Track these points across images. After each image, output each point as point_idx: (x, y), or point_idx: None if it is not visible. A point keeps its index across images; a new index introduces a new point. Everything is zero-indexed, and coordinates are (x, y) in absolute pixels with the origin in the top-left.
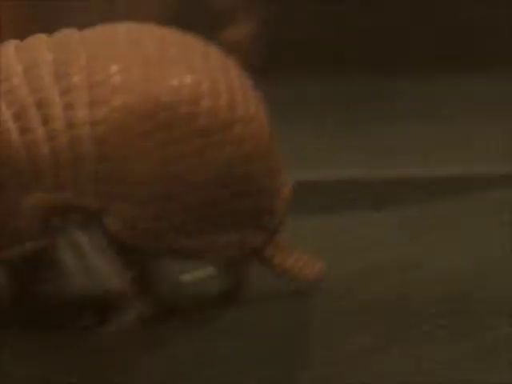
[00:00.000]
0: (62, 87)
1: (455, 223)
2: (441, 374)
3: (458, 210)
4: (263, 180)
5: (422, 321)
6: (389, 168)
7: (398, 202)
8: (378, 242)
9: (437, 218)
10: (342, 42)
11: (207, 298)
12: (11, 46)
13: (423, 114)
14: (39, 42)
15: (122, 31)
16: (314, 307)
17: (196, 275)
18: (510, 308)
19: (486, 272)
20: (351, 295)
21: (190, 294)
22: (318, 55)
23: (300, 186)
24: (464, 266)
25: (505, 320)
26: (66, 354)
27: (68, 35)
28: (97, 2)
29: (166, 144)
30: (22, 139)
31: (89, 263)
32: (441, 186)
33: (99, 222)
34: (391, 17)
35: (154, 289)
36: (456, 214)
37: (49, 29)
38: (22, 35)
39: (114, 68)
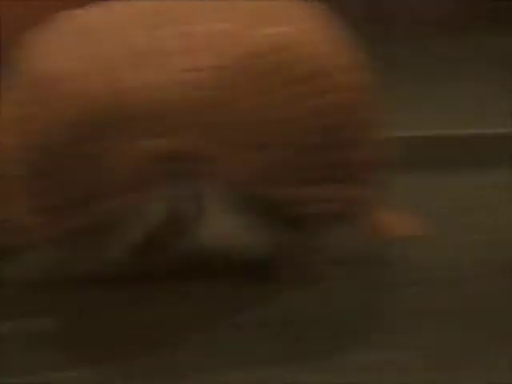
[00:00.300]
0: (156, 39)
1: None
2: None
3: None
4: (360, 131)
5: None
6: None
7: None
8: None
9: None
10: None
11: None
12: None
13: None
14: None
15: None
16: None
17: None
18: None
19: None
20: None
21: None
22: None
23: (400, 143)
24: None
25: None
26: None
27: None
28: None
29: (266, 90)
30: (117, 90)
31: (207, 213)
32: None
33: (213, 172)
34: None
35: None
36: None
37: None
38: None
39: (207, 17)
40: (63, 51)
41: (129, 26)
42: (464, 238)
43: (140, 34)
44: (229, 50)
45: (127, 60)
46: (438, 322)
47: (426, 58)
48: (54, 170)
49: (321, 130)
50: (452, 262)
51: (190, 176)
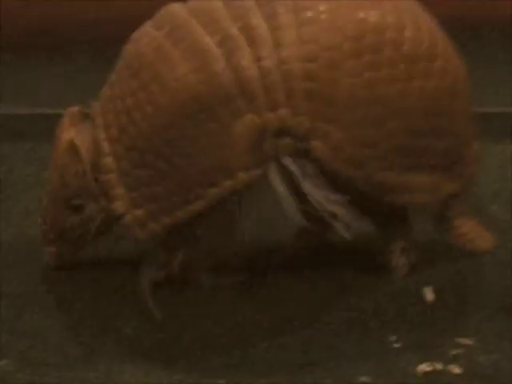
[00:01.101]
0: (266, 12)
1: None
2: None
3: None
4: (461, 121)
5: None
6: None
7: None
8: None
9: None
10: None
11: None
12: None
13: None
14: None
15: None
16: None
17: None
18: None
19: None
20: None
21: None
22: None
23: None
24: None
25: None
26: None
27: None
28: None
29: (373, 66)
30: (229, 64)
31: (300, 190)
32: None
33: (307, 148)
34: None
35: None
36: None
37: None
38: None
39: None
40: (158, 34)
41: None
42: None
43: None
44: (331, 23)
45: (218, 41)
46: None
47: None
48: (157, 159)
49: (426, 114)
50: None
51: (294, 154)
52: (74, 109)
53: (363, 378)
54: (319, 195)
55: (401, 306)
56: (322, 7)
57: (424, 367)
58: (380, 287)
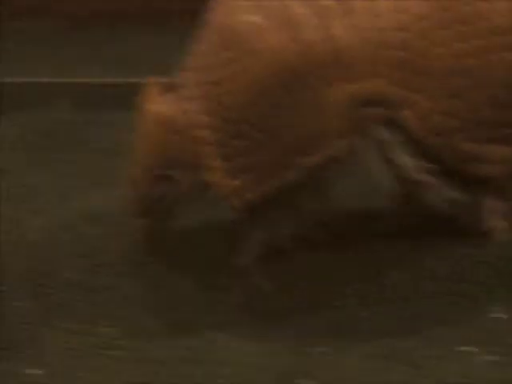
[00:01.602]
0: None
1: None
2: None
3: None
4: None
5: None
6: None
7: None
8: None
9: None
10: None
11: None
12: None
13: None
14: None
15: None
16: None
17: None
18: None
19: None
20: None
21: None
22: None
23: None
24: None
25: None
26: None
27: None
28: None
29: (462, 37)
30: (324, 34)
31: (390, 159)
32: None
33: (398, 117)
34: None
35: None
36: None
37: None
38: None
39: None
40: (251, 7)
41: None
42: None
43: None
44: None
45: (312, 12)
46: None
47: None
48: (253, 129)
49: (508, 85)
50: None
51: (385, 123)
52: (155, 79)
53: (464, 348)
54: (408, 163)
55: (506, 277)
56: None
57: None
58: (485, 259)
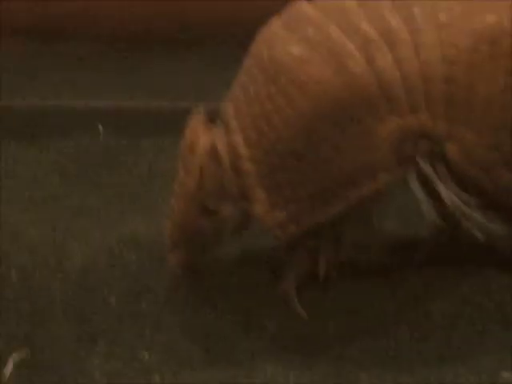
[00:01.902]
0: (404, 15)
1: None
2: None
3: None
4: None
5: None
6: None
7: None
8: None
9: None
10: None
11: None
12: None
13: None
14: None
15: None
16: None
17: None
18: None
19: None
20: None
21: None
22: None
23: None
24: None
25: None
26: None
27: None
28: None
29: (508, 71)
30: (370, 68)
31: (435, 191)
32: None
33: (441, 151)
34: None
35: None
36: None
37: None
38: None
39: None
40: (295, 38)
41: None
42: None
43: (365, 18)
44: (473, 27)
45: (358, 45)
46: None
47: None
48: (298, 162)
49: None
50: None
51: (430, 156)
52: (200, 109)
53: (505, 374)
54: (452, 196)
55: None
56: (457, 8)
57: None
58: None
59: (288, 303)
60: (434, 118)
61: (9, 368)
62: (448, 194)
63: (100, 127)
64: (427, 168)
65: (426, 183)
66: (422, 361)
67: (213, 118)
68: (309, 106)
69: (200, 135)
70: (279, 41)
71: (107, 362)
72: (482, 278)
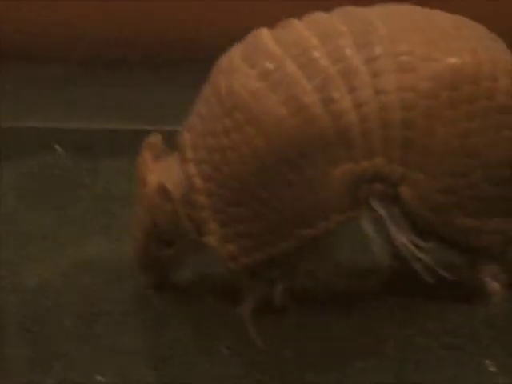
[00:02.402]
0: (365, 56)
1: None
2: None
3: None
4: None
5: None
6: None
7: None
8: None
9: None
10: None
11: None
12: (298, 22)
13: None
14: (329, 16)
15: (410, 9)
16: None
17: None
18: None
19: None
20: None
21: None
22: None
23: None
24: None
25: None
26: None
27: (348, 11)
28: None
29: (469, 117)
30: (328, 110)
31: (388, 235)
32: None
33: (395, 193)
34: None
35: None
36: None
37: None
38: None
39: (417, 38)
40: (256, 73)
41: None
42: None
43: (325, 56)
44: (431, 72)
45: (315, 85)
46: None
47: None
48: (251, 198)
49: (510, 164)
50: None
51: (383, 199)
52: (154, 139)
53: None
54: (404, 239)
55: (497, 330)
56: (419, 50)
57: None
58: (475, 312)
59: (244, 328)
60: (389, 163)
61: None
62: (398, 235)
63: (58, 148)
64: (380, 209)
65: (377, 223)
66: None
67: (171, 141)
68: (265, 146)
69: (149, 171)
70: (237, 73)
71: None
72: (436, 305)
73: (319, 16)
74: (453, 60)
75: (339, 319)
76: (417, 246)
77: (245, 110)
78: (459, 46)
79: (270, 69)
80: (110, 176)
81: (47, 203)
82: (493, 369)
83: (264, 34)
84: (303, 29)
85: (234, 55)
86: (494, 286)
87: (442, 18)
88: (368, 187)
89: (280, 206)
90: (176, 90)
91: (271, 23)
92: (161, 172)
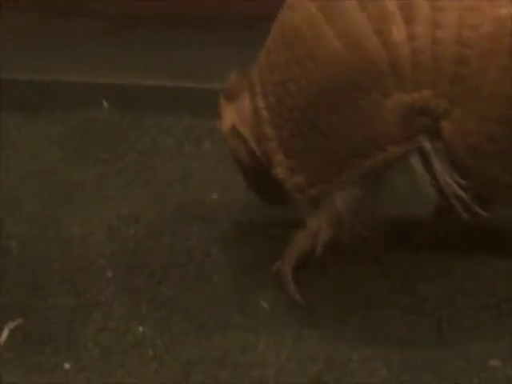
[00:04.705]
0: None
1: None
2: None
3: None
4: None
5: None
6: None
7: None
8: None
9: None
10: None
11: None
12: None
13: None
14: None
15: None
16: None
17: None
18: None
19: None
20: None
21: None
22: None
23: None
24: None
25: None
26: None
27: None
28: None
29: None
30: (381, 41)
31: (430, 168)
32: None
33: (439, 129)
34: None
35: None
36: None
37: None
38: None
39: None
40: (315, 10)
41: None
42: None
43: None
44: (496, 14)
45: (372, 17)
46: None
47: None
48: (312, 130)
49: None
50: None
51: (430, 133)
52: (234, 78)
53: (494, 362)
54: (445, 175)
55: None
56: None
57: None
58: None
59: (284, 285)
60: (435, 95)
61: (3, 336)
62: (441, 171)
63: (104, 103)
64: (426, 144)
65: (425, 161)
66: (411, 344)
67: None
68: (321, 78)
69: (225, 113)
70: (299, 9)
71: (101, 334)
72: (474, 264)
73: None
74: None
75: (377, 275)
76: (458, 184)
77: (303, 43)
78: None
79: (328, 2)
80: (154, 132)
81: (91, 157)
82: None
83: None
84: None
85: None
86: None
87: None
88: (417, 120)
89: (339, 137)
90: (224, 49)
91: None
92: (234, 110)
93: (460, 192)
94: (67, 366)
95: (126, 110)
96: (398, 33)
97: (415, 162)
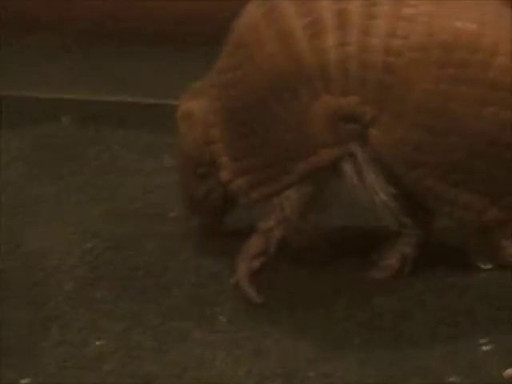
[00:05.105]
0: (367, 1)
1: None
2: None
3: None
4: None
5: None
6: None
7: None
8: None
9: None
10: None
11: None
12: None
13: None
14: None
15: None
16: None
17: None
18: None
19: None
20: None
21: None
22: None
23: None
24: None
25: None
26: None
27: None
28: None
29: (454, 81)
30: (312, 46)
31: (363, 176)
32: None
33: (367, 136)
34: None
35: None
36: None
37: None
38: None
39: None
40: (259, 15)
41: None
42: None
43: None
44: (429, 32)
45: (305, 23)
46: None
47: None
48: (251, 132)
49: (492, 141)
50: None
51: (358, 140)
52: (198, 84)
53: (452, 379)
54: (374, 182)
55: (493, 307)
56: (423, 8)
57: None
58: (473, 288)
59: (241, 289)
60: (362, 104)
61: None
62: (371, 180)
63: (63, 118)
64: (357, 151)
65: (356, 167)
66: (369, 360)
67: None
68: (257, 81)
69: (182, 104)
70: (247, 16)
71: (59, 348)
72: (433, 279)
73: None
74: (457, 24)
75: (337, 292)
76: (388, 194)
77: (245, 48)
78: (470, 15)
79: (270, 8)
80: (114, 148)
81: (51, 173)
82: (486, 347)
83: None
84: None
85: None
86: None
87: None
88: (346, 125)
89: (274, 139)
90: (184, 64)
91: None
92: (191, 105)
93: (389, 202)
94: (24, 381)
95: (86, 126)
96: (329, 38)
97: (347, 168)
